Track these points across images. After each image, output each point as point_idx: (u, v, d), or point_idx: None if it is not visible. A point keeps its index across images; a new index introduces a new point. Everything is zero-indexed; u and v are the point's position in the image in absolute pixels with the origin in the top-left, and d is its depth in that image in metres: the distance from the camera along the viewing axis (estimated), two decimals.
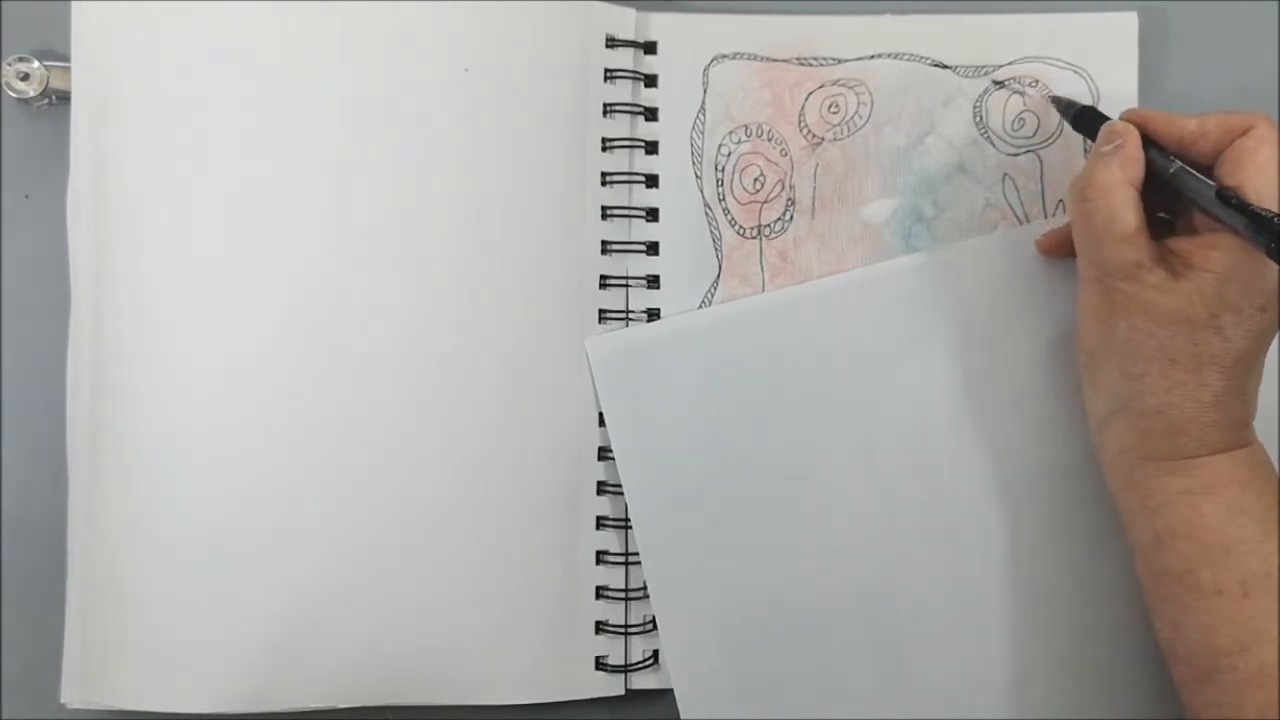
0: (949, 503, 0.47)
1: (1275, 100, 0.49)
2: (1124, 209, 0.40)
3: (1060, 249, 0.46)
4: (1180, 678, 0.41)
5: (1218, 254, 0.39)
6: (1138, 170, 0.41)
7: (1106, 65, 0.48)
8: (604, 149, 0.48)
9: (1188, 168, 0.41)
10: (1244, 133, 0.40)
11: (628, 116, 0.48)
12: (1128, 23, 0.49)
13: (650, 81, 0.49)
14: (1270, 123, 0.40)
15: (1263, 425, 0.42)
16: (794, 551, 0.46)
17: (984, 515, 0.47)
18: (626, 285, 0.48)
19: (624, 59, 0.48)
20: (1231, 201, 0.38)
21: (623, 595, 0.47)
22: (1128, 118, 0.43)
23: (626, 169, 0.48)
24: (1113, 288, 0.41)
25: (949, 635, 0.46)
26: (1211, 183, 0.40)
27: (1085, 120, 0.46)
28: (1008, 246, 0.48)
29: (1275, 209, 0.38)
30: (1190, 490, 0.40)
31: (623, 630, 0.47)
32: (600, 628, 0.47)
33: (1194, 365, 0.40)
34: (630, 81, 0.48)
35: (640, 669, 0.47)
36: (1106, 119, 0.44)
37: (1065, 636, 0.46)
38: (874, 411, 0.47)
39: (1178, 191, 0.41)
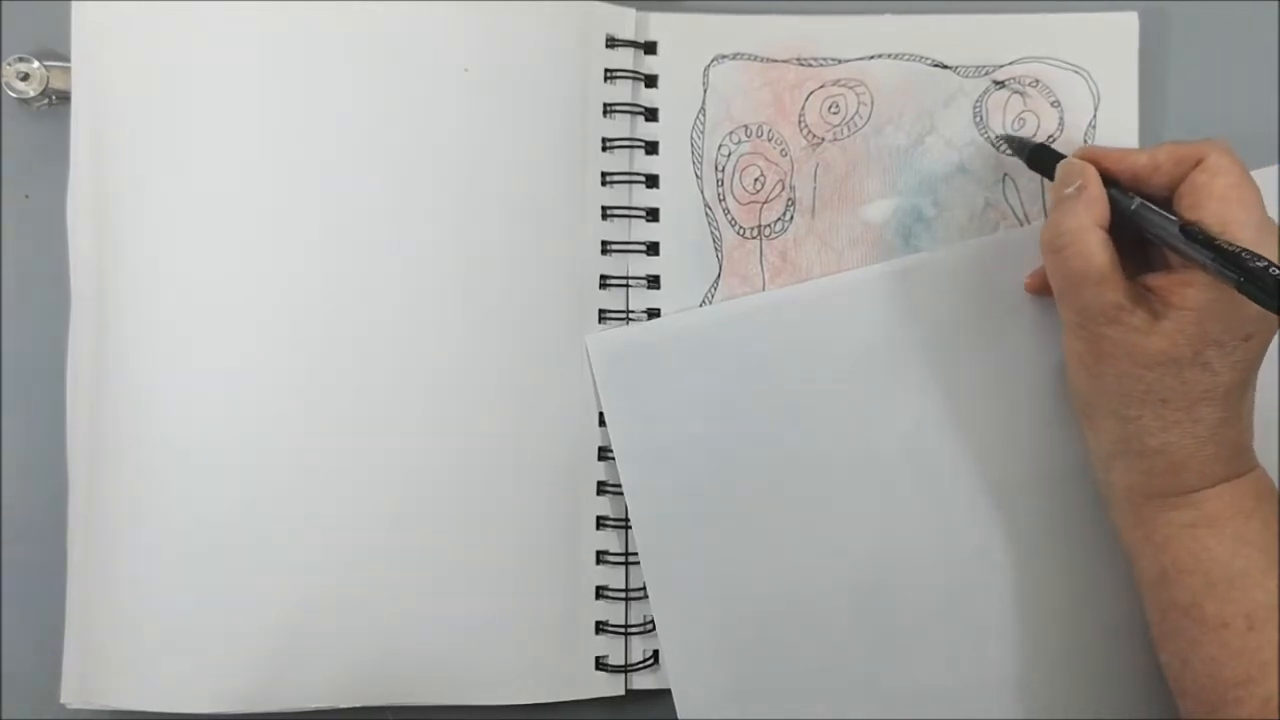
0: (948, 502, 0.47)
1: (1275, 101, 0.49)
2: (1096, 251, 0.40)
3: (1048, 287, 0.46)
4: (1187, 711, 0.41)
5: (1194, 291, 0.39)
6: (1103, 209, 0.41)
7: (1106, 65, 0.48)
8: (604, 149, 0.48)
9: (1148, 204, 0.40)
10: (1196, 164, 0.40)
11: (628, 116, 0.48)
12: (1128, 23, 0.49)
13: (650, 81, 0.49)
14: (1223, 151, 0.40)
15: (1262, 445, 0.42)
16: (793, 551, 0.46)
17: (983, 515, 0.47)
18: (626, 285, 0.48)
19: (624, 59, 0.48)
20: (1197, 238, 0.38)
21: (623, 595, 0.47)
22: (1081, 155, 0.42)
23: (626, 169, 0.48)
24: (1097, 334, 0.40)
25: (948, 636, 0.46)
26: (1174, 218, 0.39)
27: (1040, 159, 0.45)
28: (1008, 247, 0.47)
29: (1238, 240, 0.37)
30: (1194, 523, 0.40)
31: (623, 630, 0.47)
32: (600, 628, 0.47)
33: (1186, 403, 0.39)
34: (630, 81, 0.48)
35: (640, 669, 0.47)
36: (1061, 157, 0.44)
37: (1064, 636, 0.46)
38: (874, 411, 0.47)
39: (1141, 229, 0.40)
